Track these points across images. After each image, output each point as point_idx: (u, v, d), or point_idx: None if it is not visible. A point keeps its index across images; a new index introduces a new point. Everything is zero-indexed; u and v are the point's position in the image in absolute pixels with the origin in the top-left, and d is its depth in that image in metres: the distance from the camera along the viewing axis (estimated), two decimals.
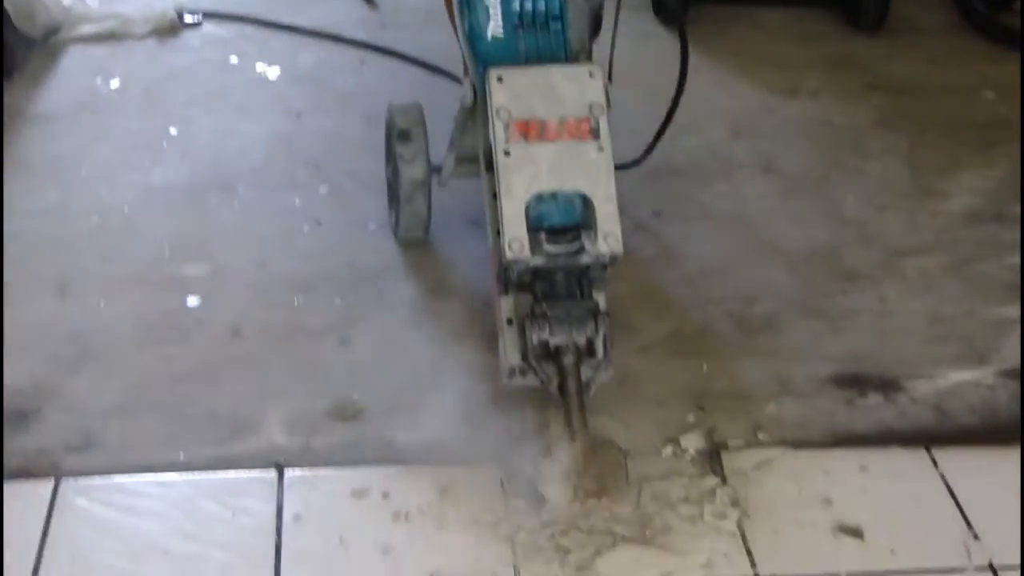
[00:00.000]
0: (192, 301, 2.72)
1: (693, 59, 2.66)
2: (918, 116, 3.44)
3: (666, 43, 3.61)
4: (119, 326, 2.64)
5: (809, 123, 3.43)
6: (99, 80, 3.54)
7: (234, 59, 3.70)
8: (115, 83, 3.54)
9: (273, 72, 3.63)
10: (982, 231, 3.00)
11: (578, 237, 2.27)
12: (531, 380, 2.32)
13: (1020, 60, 3.61)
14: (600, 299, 2.33)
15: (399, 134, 2.78)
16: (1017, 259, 2.89)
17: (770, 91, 3.57)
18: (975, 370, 2.58)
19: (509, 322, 2.34)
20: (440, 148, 2.76)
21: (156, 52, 3.71)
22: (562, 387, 2.25)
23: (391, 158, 2.85)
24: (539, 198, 2.26)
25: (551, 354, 2.26)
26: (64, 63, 3.60)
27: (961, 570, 2.15)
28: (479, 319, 2.63)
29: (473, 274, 2.77)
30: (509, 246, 2.23)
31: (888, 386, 2.54)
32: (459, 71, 2.90)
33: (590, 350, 2.28)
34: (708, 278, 2.83)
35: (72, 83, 3.52)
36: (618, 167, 2.32)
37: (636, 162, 2.84)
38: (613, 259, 2.27)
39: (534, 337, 2.26)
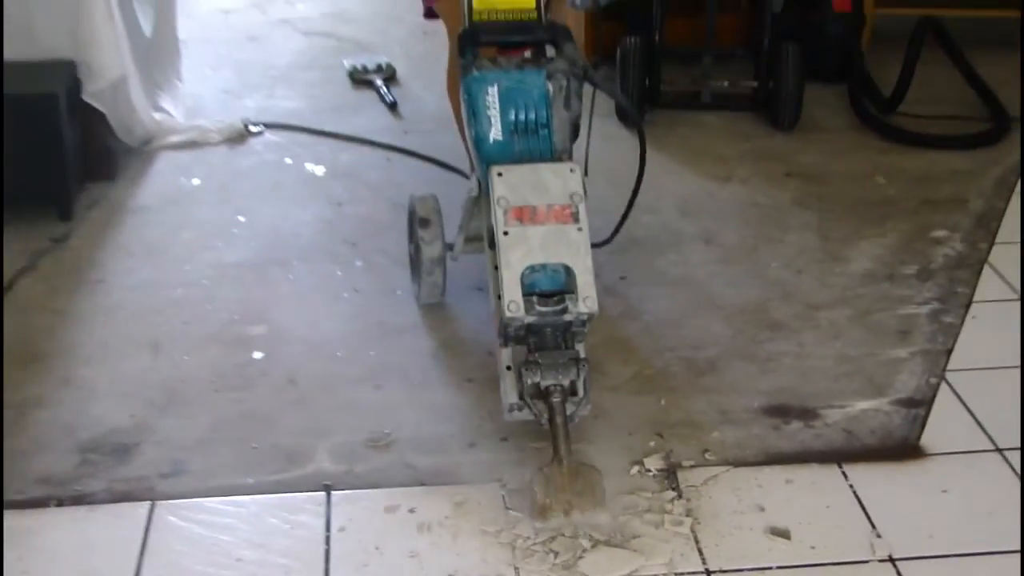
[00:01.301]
0: (257, 355, 2.71)
1: (648, 153, 2.65)
2: (825, 197, 3.43)
3: (627, 142, 3.60)
4: (200, 376, 2.63)
5: (741, 204, 3.42)
6: (183, 179, 3.54)
7: (288, 160, 3.69)
8: (196, 181, 3.54)
9: (319, 170, 3.63)
10: (877, 289, 2.98)
11: (563, 300, 2.28)
12: (527, 415, 2.31)
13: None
14: (580, 349, 2.33)
15: (420, 221, 2.78)
16: (907, 310, 2.88)
17: (710, 178, 3.57)
18: (875, 400, 2.56)
19: (508, 368, 2.34)
20: (452, 228, 2.76)
21: (228, 155, 3.72)
22: (551, 420, 2.24)
23: (413, 238, 2.84)
24: (531, 269, 2.27)
25: (542, 393, 2.26)
26: (156, 166, 3.60)
27: (867, 562, 2.13)
28: (484, 366, 2.61)
29: (479, 330, 2.76)
30: (508, 307, 2.24)
31: (807, 414, 2.52)
32: (466, 167, 2.92)
33: (573, 390, 2.28)
34: (663, 329, 2.82)
35: (162, 182, 3.52)
36: (594, 245, 2.33)
37: (606, 241, 2.84)
38: (590, 317, 2.28)
39: (528, 380, 2.26)
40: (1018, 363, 2.68)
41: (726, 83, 3.91)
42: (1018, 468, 2.35)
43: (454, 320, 2.84)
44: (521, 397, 2.29)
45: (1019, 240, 3.17)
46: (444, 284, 2.82)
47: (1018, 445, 2.41)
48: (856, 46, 4.11)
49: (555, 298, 2.28)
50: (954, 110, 3.92)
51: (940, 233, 3.22)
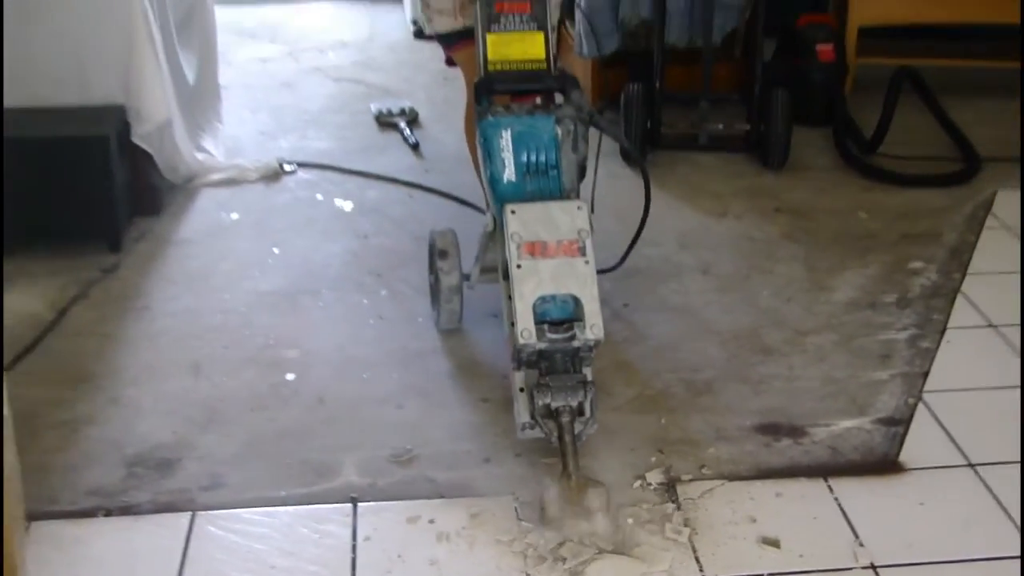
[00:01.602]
0: (290, 377, 2.71)
1: (651, 190, 2.65)
2: (812, 231, 3.43)
3: (630, 180, 3.63)
4: (237, 396, 2.63)
5: (735, 237, 3.41)
6: (223, 214, 3.54)
7: (319, 196, 3.69)
8: (234, 216, 3.54)
9: (348, 205, 3.63)
10: (860, 316, 2.97)
11: (571, 327, 2.28)
12: (538, 433, 2.31)
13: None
14: (587, 372, 2.33)
15: (439, 252, 2.79)
16: (887, 335, 2.88)
17: (706, 214, 3.56)
18: (857, 419, 2.55)
19: (521, 390, 2.34)
20: (469, 259, 2.76)
21: (264, 192, 3.71)
22: (560, 438, 2.24)
23: (433, 269, 2.85)
24: (542, 299, 2.27)
25: (552, 414, 2.26)
26: (198, 202, 3.60)
27: (850, 569, 2.12)
28: (499, 387, 2.61)
29: (494, 354, 2.75)
30: (521, 335, 2.24)
31: (795, 432, 2.52)
32: (482, 204, 2.91)
33: (581, 411, 2.27)
34: (664, 353, 2.81)
35: (203, 217, 3.52)
36: (602, 271, 2.32)
37: (614, 267, 2.84)
38: (597, 343, 2.29)
39: (539, 401, 2.26)
40: (991, 384, 2.68)
41: (721, 126, 3.91)
42: (990, 482, 2.34)
43: (471, 345, 2.84)
44: (533, 417, 2.29)
45: (1003, 270, 3.17)
46: (461, 311, 2.82)
47: (990, 460, 2.40)
48: (839, 93, 4.12)
49: (564, 326, 2.28)
50: (929, 151, 3.91)
51: (917, 264, 3.21)
